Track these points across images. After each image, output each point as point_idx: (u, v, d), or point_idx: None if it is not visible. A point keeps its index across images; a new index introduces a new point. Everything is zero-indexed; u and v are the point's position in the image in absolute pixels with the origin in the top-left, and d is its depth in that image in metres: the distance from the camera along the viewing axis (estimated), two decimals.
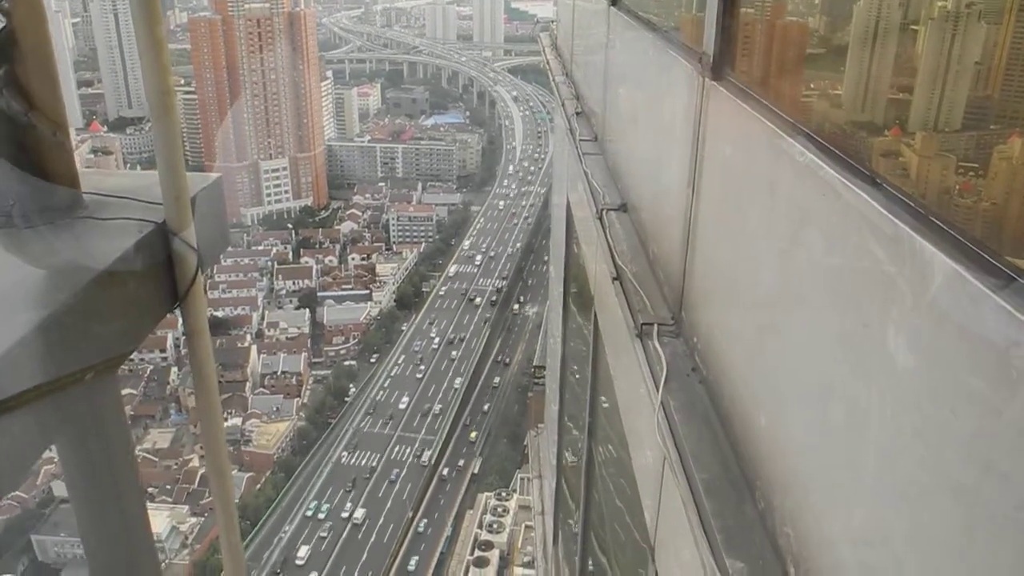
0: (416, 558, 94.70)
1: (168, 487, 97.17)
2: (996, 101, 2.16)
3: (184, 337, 2.22)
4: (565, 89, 8.90)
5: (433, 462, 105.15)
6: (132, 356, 1.96)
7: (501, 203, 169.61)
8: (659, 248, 4.60)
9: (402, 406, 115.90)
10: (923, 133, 2.43)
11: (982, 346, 1.60)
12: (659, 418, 3.36)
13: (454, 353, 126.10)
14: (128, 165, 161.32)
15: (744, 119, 3.08)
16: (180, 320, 2.13)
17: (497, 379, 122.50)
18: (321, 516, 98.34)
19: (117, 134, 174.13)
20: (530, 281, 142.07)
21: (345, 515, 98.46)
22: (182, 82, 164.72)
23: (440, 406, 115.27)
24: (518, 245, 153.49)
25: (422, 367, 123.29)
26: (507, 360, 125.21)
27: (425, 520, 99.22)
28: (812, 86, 3.32)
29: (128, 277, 1.79)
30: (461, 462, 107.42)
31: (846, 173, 2.25)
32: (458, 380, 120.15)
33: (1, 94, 1.81)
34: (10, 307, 1.51)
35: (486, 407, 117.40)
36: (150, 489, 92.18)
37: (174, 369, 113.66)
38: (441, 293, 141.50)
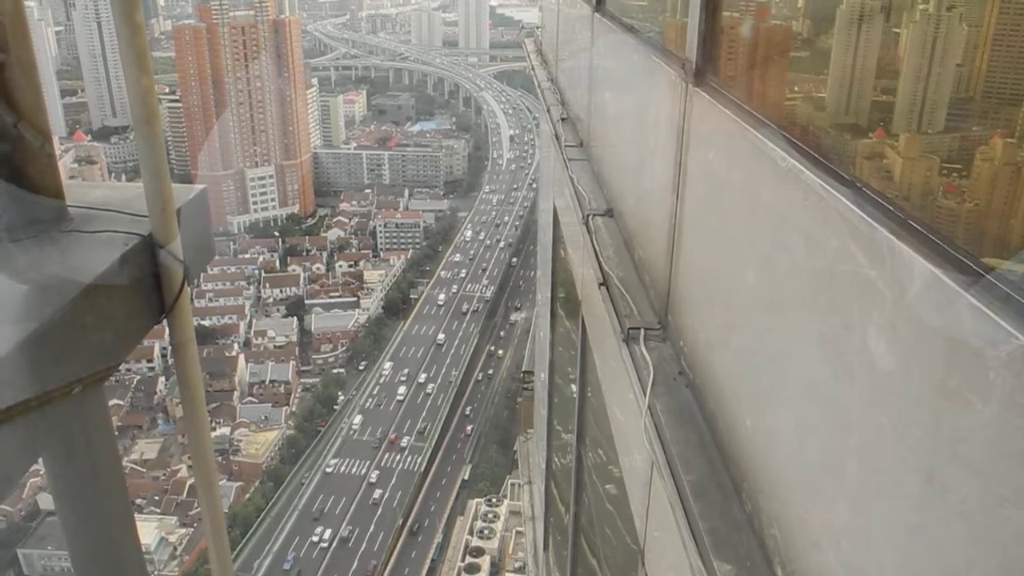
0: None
1: (156, 498, 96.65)
2: (978, 103, 2.19)
3: (171, 348, 2.22)
4: (550, 95, 8.91)
5: (423, 469, 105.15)
6: (119, 366, 1.95)
7: (491, 210, 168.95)
8: (645, 253, 4.62)
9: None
10: (906, 135, 2.46)
11: (959, 346, 1.62)
12: (646, 421, 3.37)
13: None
14: (113, 174, 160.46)
15: (727, 124, 3.10)
16: (167, 331, 2.13)
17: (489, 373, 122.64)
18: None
19: (101, 143, 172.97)
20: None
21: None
22: (167, 90, 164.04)
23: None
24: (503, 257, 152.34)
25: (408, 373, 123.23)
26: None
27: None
28: (794, 90, 3.35)
29: (114, 290, 1.78)
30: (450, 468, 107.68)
31: (827, 177, 2.28)
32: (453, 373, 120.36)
33: None
34: None
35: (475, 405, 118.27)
36: (138, 500, 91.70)
37: (161, 379, 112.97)
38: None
